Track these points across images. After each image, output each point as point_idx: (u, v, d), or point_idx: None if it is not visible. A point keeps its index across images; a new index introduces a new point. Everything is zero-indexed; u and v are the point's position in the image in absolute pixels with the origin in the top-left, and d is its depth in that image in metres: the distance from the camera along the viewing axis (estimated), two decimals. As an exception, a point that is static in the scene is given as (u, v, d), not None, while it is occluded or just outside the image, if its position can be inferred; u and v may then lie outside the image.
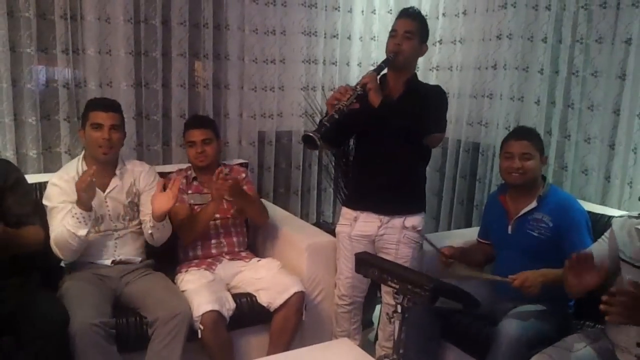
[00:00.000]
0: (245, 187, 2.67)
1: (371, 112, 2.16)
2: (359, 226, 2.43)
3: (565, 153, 2.86)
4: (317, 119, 3.37)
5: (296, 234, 2.72)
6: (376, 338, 2.65)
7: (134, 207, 2.47)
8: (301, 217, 3.51)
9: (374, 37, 3.76)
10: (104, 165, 2.39)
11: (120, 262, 2.41)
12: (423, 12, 2.63)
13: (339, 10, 3.62)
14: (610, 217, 2.35)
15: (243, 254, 2.70)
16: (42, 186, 2.42)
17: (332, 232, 2.62)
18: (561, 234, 2.18)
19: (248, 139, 3.44)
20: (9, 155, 2.72)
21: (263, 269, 2.55)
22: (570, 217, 2.20)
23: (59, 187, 2.33)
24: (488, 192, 3.16)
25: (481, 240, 2.54)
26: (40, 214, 2.27)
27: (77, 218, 2.19)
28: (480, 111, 3.31)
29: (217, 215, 2.62)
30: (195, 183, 2.69)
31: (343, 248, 2.49)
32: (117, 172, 2.44)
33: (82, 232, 2.21)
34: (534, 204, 2.25)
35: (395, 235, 2.38)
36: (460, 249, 2.40)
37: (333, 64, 3.69)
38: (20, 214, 2.13)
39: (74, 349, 1.97)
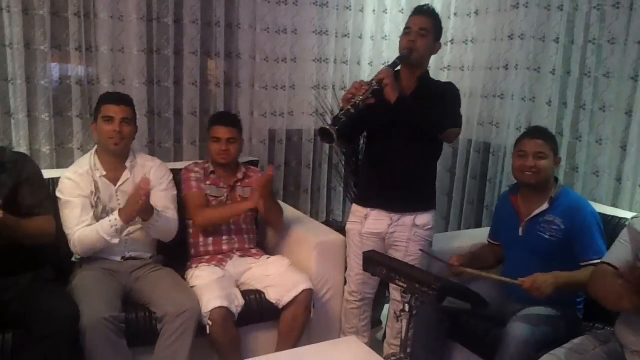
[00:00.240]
0: None
1: (387, 107, 2.15)
2: (370, 224, 2.43)
3: (577, 154, 2.84)
4: (328, 118, 3.38)
5: (306, 232, 2.73)
6: (384, 336, 2.65)
7: None
8: (311, 216, 3.52)
9: (386, 36, 3.75)
10: (115, 158, 2.42)
11: (131, 258, 2.43)
12: (435, 12, 2.62)
13: (350, 10, 3.62)
14: (621, 219, 2.34)
15: (253, 251, 2.71)
16: (54, 182, 2.44)
17: (342, 231, 2.63)
18: (573, 236, 2.16)
19: (259, 137, 3.45)
20: (23, 150, 2.73)
21: (272, 267, 2.56)
22: (582, 220, 2.17)
23: (73, 181, 2.35)
24: (499, 193, 3.15)
25: (492, 242, 2.52)
26: (54, 207, 2.28)
27: (116, 228, 2.24)
28: (491, 111, 3.30)
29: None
30: (212, 176, 2.71)
31: (353, 245, 2.49)
32: (128, 164, 2.46)
33: (115, 240, 2.27)
34: (545, 206, 2.22)
35: (405, 234, 2.37)
36: (469, 254, 2.37)
37: (344, 63, 3.69)
38: (32, 205, 2.14)
39: (85, 342, 1.99)
